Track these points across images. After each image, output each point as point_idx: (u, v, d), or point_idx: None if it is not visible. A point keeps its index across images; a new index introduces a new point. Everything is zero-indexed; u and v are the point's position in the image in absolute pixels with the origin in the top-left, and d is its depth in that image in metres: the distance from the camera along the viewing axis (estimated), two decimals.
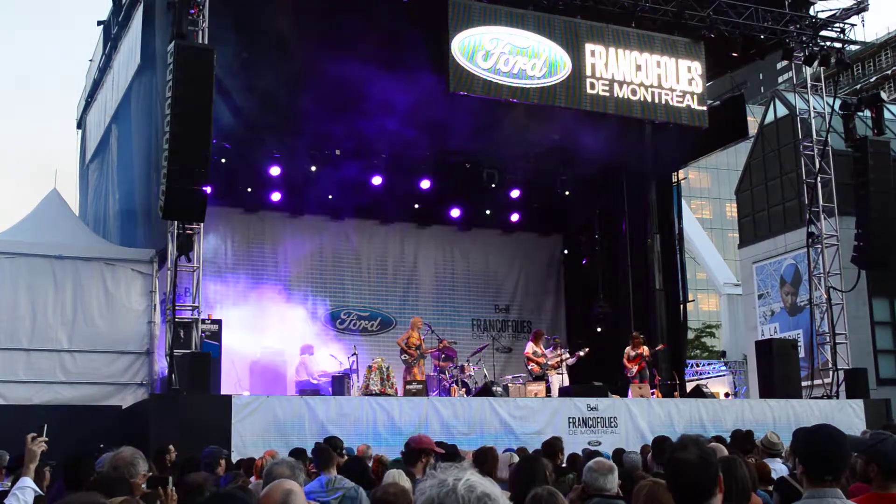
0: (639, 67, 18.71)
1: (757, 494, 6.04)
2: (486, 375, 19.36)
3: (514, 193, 24.03)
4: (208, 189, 14.30)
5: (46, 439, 6.08)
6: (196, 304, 15.10)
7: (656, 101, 18.85)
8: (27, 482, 5.94)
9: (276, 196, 22.12)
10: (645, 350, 19.72)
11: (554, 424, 15.39)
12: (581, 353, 19.53)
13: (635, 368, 19.53)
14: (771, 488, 7.44)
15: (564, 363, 19.17)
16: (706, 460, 3.60)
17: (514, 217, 24.91)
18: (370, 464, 9.91)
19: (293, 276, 22.35)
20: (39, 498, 6.09)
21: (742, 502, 5.14)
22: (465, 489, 2.30)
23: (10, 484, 7.77)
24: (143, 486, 5.41)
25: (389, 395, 16.44)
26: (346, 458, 9.79)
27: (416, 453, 6.99)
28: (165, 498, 5.27)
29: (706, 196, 72.63)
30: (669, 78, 19.00)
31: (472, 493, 2.29)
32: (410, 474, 6.84)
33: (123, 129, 19.49)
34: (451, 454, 7.65)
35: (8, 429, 12.07)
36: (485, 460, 8.08)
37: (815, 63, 19.99)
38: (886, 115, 21.71)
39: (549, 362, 19.06)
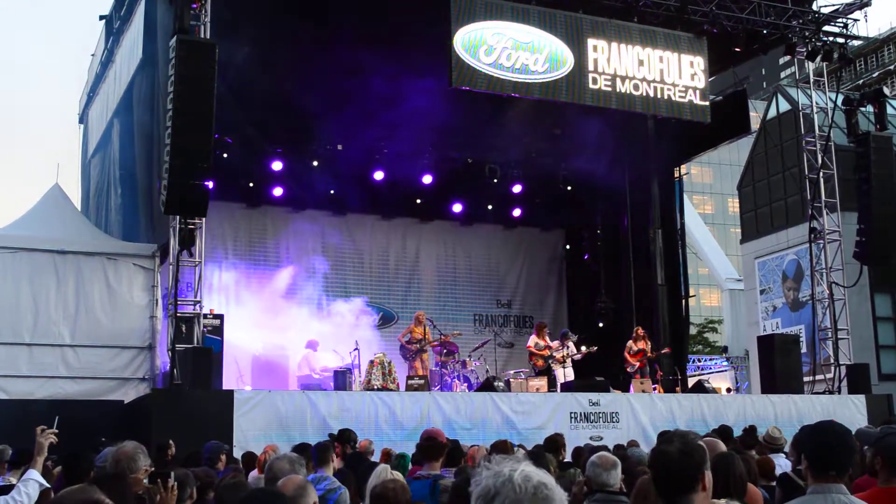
0: (641, 62, 18.68)
1: (758, 489, 6.06)
2: (487, 370, 19.36)
3: (516, 188, 24.02)
4: (210, 184, 14.30)
5: (56, 431, 6.05)
6: (198, 299, 15.11)
7: (658, 96, 18.81)
8: (32, 475, 5.89)
9: (278, 191, 22.13)
10: (647, 345, 19.77)
11: (555, 419, 15.38)
12: (590, 350, 19.59)
13: (637, 364, 19.57)
14: (773, 483, 7.45)
15: (571, 357, 19.20)
16: (688, 455, 3.58)
17: (516, 212, 24.90)
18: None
19: (295, 271, 22.33)
20: (46, 491, 6.06)
21: (739, 496, 5.16)
22: (522, 479, 2.35)
23: (13, 479, 7.75)
24: (145, 481, 5.40)
25: (391, 389, 16.44)
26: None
27: (440, 448, 6.91)
28: (165, 493, 5.26)
29: (708, 191, 72.58)
30: (672, 73, 18.96)
31: (529, 482, 2.34)
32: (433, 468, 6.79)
33: (125, 124, 19.48)
34: (453, 449, 7.63)
35: (10, 423, 12.12)
36: (501, 453, 8.07)
37: (818, 58, 19.98)
38: (889, 110, 21.73)
39: (554, 354, 19.08)
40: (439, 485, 6.26)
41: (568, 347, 19.35)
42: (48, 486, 6.08)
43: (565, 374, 18.98)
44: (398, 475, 6.01)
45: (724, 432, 11.69)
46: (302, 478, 4.87)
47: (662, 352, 20.45)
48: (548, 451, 8.37)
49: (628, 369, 19.63)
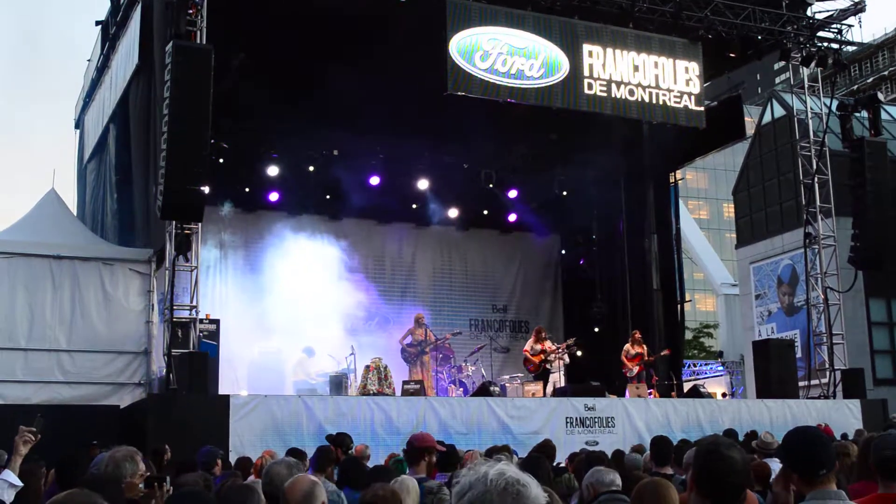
0: (636, 68, 18.70)
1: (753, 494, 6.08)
2: (483, 375, 19.39)
3: (512, 194, 24.05)
4: (206, 189, 14.32)
5: (34, 430, 5.90)
6: (194, 304, 15.12)
7: (654, 101, 18.83)
8: (6, 476, 5.81)
9: (273, 196, 22.16)
10: (644, 349, 19.78)
11: (551, 424, 15.40)
12: (568, 342, 19.63)
13: (636, 369, 19.59)
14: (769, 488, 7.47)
15: (559, 360, 19.22)
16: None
17: (512, 217, 24.92)
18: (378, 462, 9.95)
19: (290, 275, 22.29)
20: (23, 490, 5.99)
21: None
22: (496, 475, 2.44)
23: None
24: (141, 485, 5.41)
25: (387, 394, 16.46)
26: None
27: (419, 452, 6.99)
28: (161, 496, 5.27)
29: (703, 196, 72.70)
30: (667, 78, 18.99)
31: (502, 477, 2.43)
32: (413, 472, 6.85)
33: (121, 129, 19.48)
34: (449, 453, 7.65)
35: (6, 429, 12.08)
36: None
37: (813, 64, 20.02)
38: (883, 115, 21.76)
39: (548, 357, 19.07)
40: (423, 486, 6.30)
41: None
42: (21, 485, 6.00)
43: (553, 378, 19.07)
44: (410, 484, 5.99)
45: (729, 437, 11.75)
46: (311, 478, 4.85)
47: (661, 353, 20.46)
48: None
49: (626, 374, 19.64)
